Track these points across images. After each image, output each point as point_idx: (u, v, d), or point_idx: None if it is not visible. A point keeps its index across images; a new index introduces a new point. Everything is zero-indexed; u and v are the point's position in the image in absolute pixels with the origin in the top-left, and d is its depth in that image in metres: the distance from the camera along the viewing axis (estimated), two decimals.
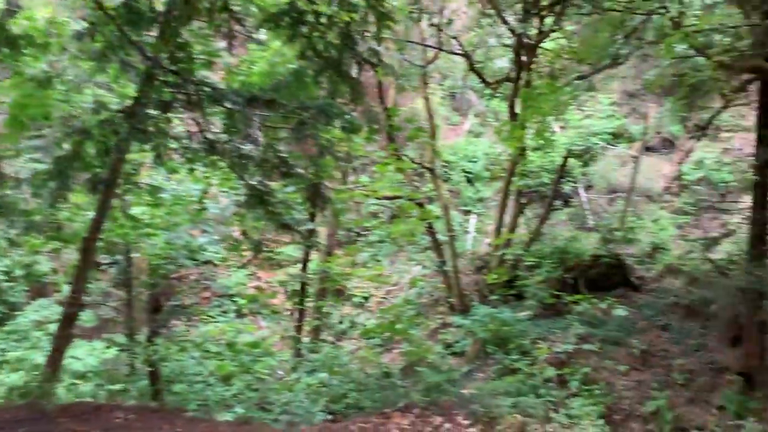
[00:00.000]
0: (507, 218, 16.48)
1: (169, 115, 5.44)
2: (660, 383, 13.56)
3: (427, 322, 15.49)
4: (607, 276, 15.81)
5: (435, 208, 19.09)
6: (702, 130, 14.80)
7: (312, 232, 13.50)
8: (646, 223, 18.35)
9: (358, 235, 19.12)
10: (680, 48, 10.87)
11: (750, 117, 16.13)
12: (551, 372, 13.54)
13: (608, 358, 14.20)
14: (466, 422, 5.41)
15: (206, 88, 5.09)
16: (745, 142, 19.11)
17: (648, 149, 20.73)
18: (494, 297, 14.97)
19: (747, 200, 15.35)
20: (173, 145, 5.64)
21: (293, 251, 17.60)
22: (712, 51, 8.94)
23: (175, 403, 10.00)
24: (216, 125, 5.90)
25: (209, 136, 5.78)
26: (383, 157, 14.85)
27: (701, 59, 11.06)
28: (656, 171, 20.29)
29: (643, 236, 17.87)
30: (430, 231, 15.57)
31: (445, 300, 15.88)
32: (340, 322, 16.56)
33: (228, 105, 5.31)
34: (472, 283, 16.43)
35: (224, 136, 5.69)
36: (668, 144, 21.01)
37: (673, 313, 15.19)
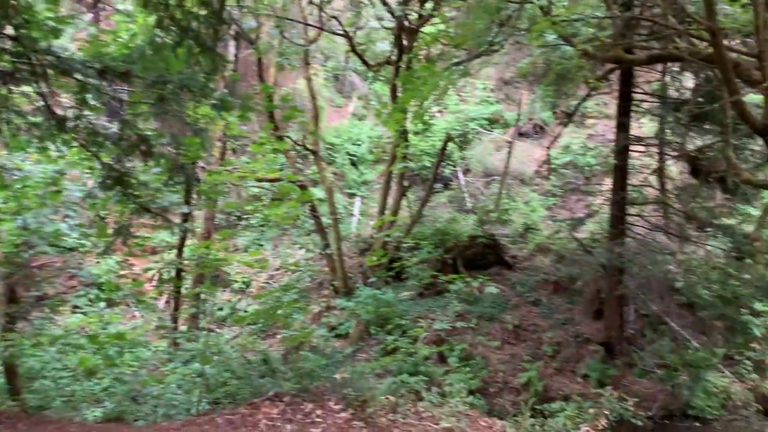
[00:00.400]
0: (390, 201, 16.68)
1: (12, 87, 4.84)
2: (531, 356, 14.41)
3: (311, 306, 15.37)
4: (483, 255, 16.47)
5: (319, 191, 18.98)
6: (569, 117, 15.73)
7: (187, 216, 12.90)
8: (519, 204, 19.29)
9: (239, 218, 18.55)
10: (550, 37, 11.43)
11: (612, 105, 17.40)
12: (430, 350, 13.96)
13: (484, 334, 14.86)
14: (337, 407, 5.33)
15: (50, 57, 4.56)
16: (608, 129, 20.62)
17: (521, 135, 21.77)
18: (377, 278, 15.14)
19: (608, 183, 16.58)
20: (18, 120, 5.04)
21: (168, 236, 16.80)
22: (577, 40, 9.42)
23: (36, 402, 9.23)
24: (67, 99, 5.37)
25: (58, 111, 5.23)
26: (264, 138, 14.44)
27: (568, 48, 11.66)
28: (528, 155, 21.35)
29: (516, 217, 18.78)
30: (314, 214, 15.42)
31: (330, 283, 15.83)
32: (220, 309, 16.01)
33: (78, 77, 4.81)
34: (356, 265, 16.49)
35: (76, 111, 5.17)
36: (539, 130, 22.19)
37: (543, 289, 16.16)
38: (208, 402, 11.69)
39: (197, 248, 13.42)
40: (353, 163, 21.78)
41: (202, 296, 14.39)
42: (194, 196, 11.91)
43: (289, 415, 5.22)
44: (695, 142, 13.70)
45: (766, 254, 9.83)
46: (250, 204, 16.67)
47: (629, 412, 6.86)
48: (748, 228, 14.11)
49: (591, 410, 6.73)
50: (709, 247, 14.62)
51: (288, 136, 14.51)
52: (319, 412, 5.22)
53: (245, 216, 18.06)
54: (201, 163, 12.39)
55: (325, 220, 16.27)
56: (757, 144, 10.36)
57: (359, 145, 22.05)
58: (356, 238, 17.84)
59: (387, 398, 5.60)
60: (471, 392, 12.79)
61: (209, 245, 11.10)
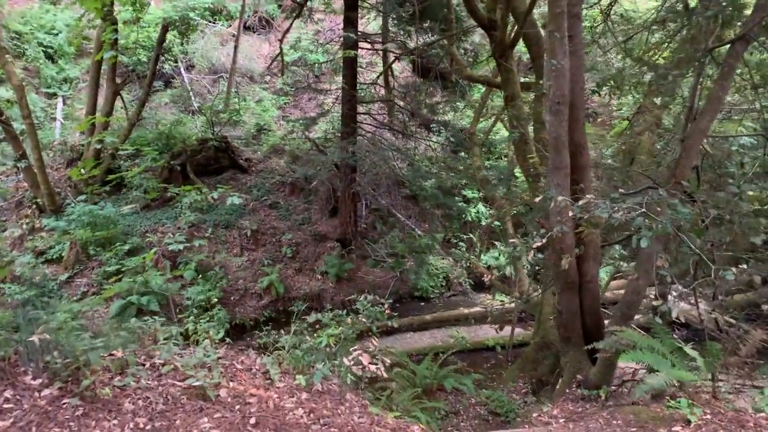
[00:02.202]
0: (101, 101, 14.39)
1: None
2: (271, 259, 14.20)
3: (11, 229, 12.85)
4: (216, 160, 15.42)
5: (6, 91, 15.60)
6: (297, 10, 14.94)
7: None
8: (250, 104, 18.34)
9: None
10: None
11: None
12: (163, 265, 12.86)
13: (221, 243, 14.16)
14: (37, 382, 3.94)
15: None
16: (335, 24, 20.42)
17: (246, 28, 20.45)
18: (89, 193, 13.20)
19: (339, 81, 16.52)
20: None
21: None
22: None
23: None
24: None
25: None
26: None
27: None
28: (256, 51, 20.26)
29: (247, 118, 17.87)
30: (1, 119, 12.54)
31: (32, 200, 13.34)
32: None
33: None
34: (64, 178, 14.12)
35: None
36: (266, 24, 21.06)
37: (280, 191, 15.84)
38: None
39: None
40: (49, 57, 18.26)
41: None
42: None
43: None
44: (418, 39, 14.15)
45: (481, 146, 10.71)
46: None
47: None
48: (464, 123, 15.43)
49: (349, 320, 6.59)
50: (428, 142, 15.70)
51: None
52: (8, 393, 3.64)
53: None
54: None
55: (18, 125, 13.45)
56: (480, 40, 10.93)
57: (56, 34, 18.47)
58: (61, 147, 15.21)
59: (113, 355, 4.21)
60: (216, 315, 12.22)
61: None
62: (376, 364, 4.28)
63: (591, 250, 5.30)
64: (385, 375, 4.57)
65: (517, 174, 15.46)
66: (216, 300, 12.57)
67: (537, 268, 7.01)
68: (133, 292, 11.78)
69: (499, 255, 14.04)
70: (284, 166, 16.34)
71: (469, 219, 15.44)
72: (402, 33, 13.55)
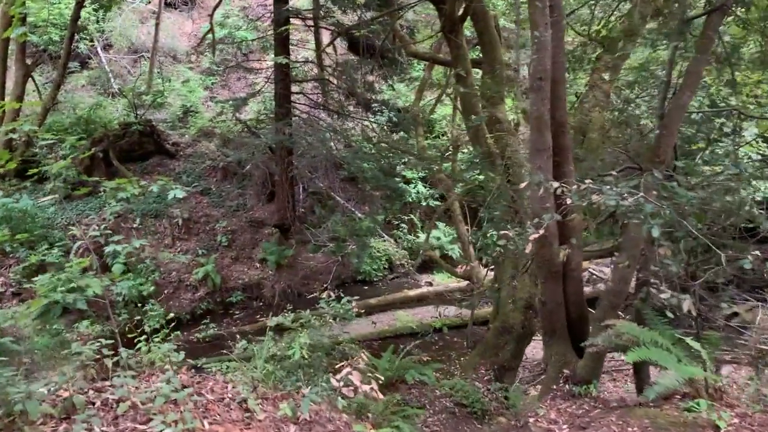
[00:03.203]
0: (10, 84, 13.21)
1: None
2: (206, 249, 13.55)
3: None
4: (141, 145, 14.51)
5: None
6: None
7: None
8: (175, 85, 17.37)
9: None
10: None
11: None
12: (88, 258, 12.02)
13: (151, 233, 13.39)
14: None
15: None
16: (259, 1, 19.60)
17: (168, 5, 19.32)
18: (9, 185, 12.16)
19: (269, 60, 15.85)
20: None
21: None
22: None
23: None
24: None
25: None
26: None
27: None
28: (179, 29, 19.20)
29: (173, 100, 16.92)
30: None
31: None
32: None
33: None
34: None
35: None
36: (188, 0, 19.96)
37: (211, 176, 15.11)
38: None
39: None
40: None
41: None
42: None
43: None
44: (354, 14, 13.70)
45: (422, 126, 10.48)
46: None
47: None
48: (402, 102, 15.14)
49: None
50: (366, 122, 15.34)
51: None
52: None
53: None
54: None
55: None
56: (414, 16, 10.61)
57: None
58: None
59: (55, 399, 3.13)
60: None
61: None
62: (369, 384, 3.81)
63: (574, 236, 5.11)
64: (380, 396, 4.12)
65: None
66: (148, 294, 11.89)
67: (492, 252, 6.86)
68: (56, 291, 10.94)
69: (443, 235, 13.93)
70: (215, 150, 15.59)
71: (410, 200, 15.24)
72: (336, 9, 13.05)
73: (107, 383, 3.40)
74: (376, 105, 12.33)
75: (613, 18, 7.58)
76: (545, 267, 5.08)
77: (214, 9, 14.27)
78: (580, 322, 5.49)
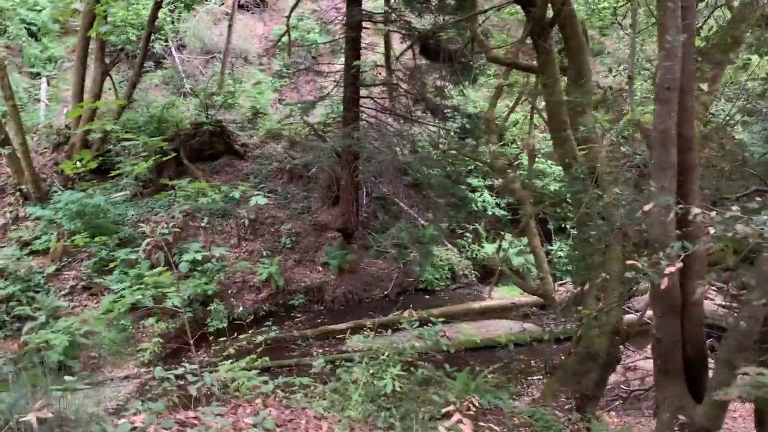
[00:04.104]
0: (89, 82, 13.57)
1: None
2: (270, 250, 13.56)
3: None
4: (211, 145, 14.66)
5: None
6: None
7: None
8: (245, 86, 17.55)
9: None
10: None
11: None
12: (157, 256, 12.19)
13: (218, 232, 13.50)
14: None
15: None
16: (331, 4, 19.59)
17: (240, 7, 19.57)
18: (81, 178, 12.49)
19: (339, 63, 15.79)
20: None
21: None
22: None
23: None
24: None
25: None
26: None
27: None
28: (250, 31, 19.43)
29: (243, 101, 17.09)
30: None
31: (15, 188, 12.56)
32: None
33: None
34: (50, 164, 13.34)
35: None
36: (261, 2, 20.19)
37: (278, 178, 15.15)
38: None
39: None
40: (32, 35, 17.32)
41: None
42: None
43: None
44: (424, 19, 13.48)
45: (495, 133, 10.12)
46: None
47: None
48: (473, 108, 14.79)
49: None
50: (435, 127, 15.09)
51: None
52: None
53: None
54: None
55: None
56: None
57: (39, 11, 17.52)
58: (47, 130, 14.39)
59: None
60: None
61: None
62: None
63: (697, 265, 4.66)
64: None
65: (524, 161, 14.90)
66: (213, 293, 11.96)
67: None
68: (125, 286, 11.12)
69: (508, 247, 13.48)
70: (282, 152, 15.63)
71: (475, 208, 14.85)
72: (409, 12, 12.84)
73: (192, 415, 3.15)
74: (448, 111, 12.03)
75: (711, 23, 7.07)
76: (663, 300, 4.63)
77: (291, 10, 14.28)
78: (699, 363, 4.94)
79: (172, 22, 17.81)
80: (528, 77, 10.94)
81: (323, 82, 16.46)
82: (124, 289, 9.90)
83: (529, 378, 9.91)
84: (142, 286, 8.86)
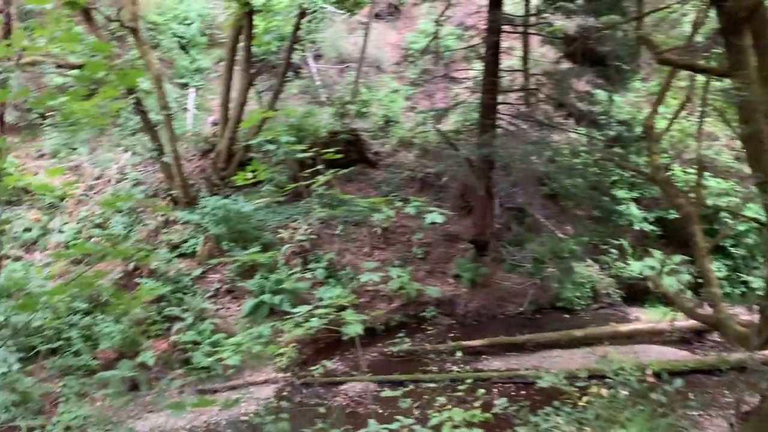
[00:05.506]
0: (233, 92, 14.12)
1: None
2: (402, 260, 13.36)
3: (146, 221, 12.83)
4: (345, 153, 14.72)
5: (143, 81, 15.76)
6: None
7: None
8: (378, 94, 17.58)
9: (42, 116, 14.90)
10: None
11: None
12: (295, 261, 12.39)
13: (351, 240, 13.51)
14: None
15: None
16: (462, 11, 19.20)
17: (375, 16, 19.68)
18: (225, 185, 12.98)
19: (474, 69, 15.39)
20: None
21: None
22: None
23: None
24: None
25: None
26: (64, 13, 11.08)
27: None
28: (384, 39, 19.48)
29: (375, 109, 17.12)
30: (140, 109, 12.52)
31: (166, 192, 13.29)
32: (28, 230, 12.91)
33: None
34: (197, 170, 14.01)
35: None
36: (394, 10, 20.23)
37: (409, 187, 14.97)
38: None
39: None
40: (183, 47, 18.41)
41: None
42: None
43: None
44: (567, 22, 12.78)
45: (657, 142, 9.25)
46: (53, 97, 13.18)
47: None
48: (621, 115, 13.80)
49: None
50: (573, 135, 14.25)
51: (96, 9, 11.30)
52: None
53: (50, 113, 14.47)
54: None
55: (154, 116, 13.40)
56: None
57: (189, 24, 18.60)
58: (194, 138, 15.16)
59: None
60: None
61: None
62: None
63: None
64: None
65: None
66: (347, 301, 11.93)
67: None
68: (265, 290, 11.36)
69: (662, 266, 12.37)
70: (413, 161, 15.44)
71: (620, 222, 13.81)
72: (552, 14, 12.19)
73: None
74: (602, 117, 11.24)
75: None
76: None
77: (442, 12, 14.13)
78: None
79: (309, 33, 18.22)
80: (694, 79, 9.92)
81: (457, 89, 16.09)
82: (299, 312, 9.89)
83: (688, 413, 8.90)
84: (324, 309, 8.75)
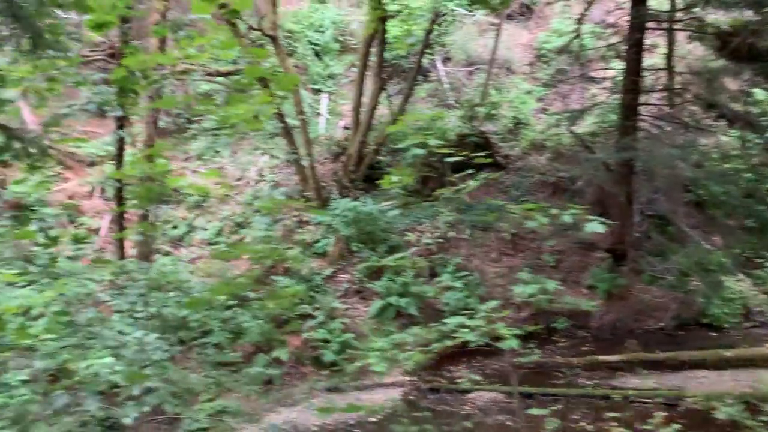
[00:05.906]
0: (364, 97, 14.42)
1: None
2: (531, 267, 12.94)
3: (283, 221, 13.42)
4: (473, 155, 14.57)
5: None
6: None
7: (123, 120, 10.57)
8: (508, 97, 17.20)
9: (189, 121, 16.07)
10: None
11: None
12: (422, 265, 12.40)
13: (478, 245, 13.30)
14: None
15: None
16: (599, 9, 18.30)
17: (506, 16, 19.29)
18: (355, 187, 13.29)
19: (611, 69, 14.63)
20: None
21: (98, 147, 14.61)
22: None
23: None
24: None
25: None
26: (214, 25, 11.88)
27: None
28: (514, 40, 19.04)
29: (504, 111, 16.76)
30: (278, 114, 13.12)
31: (300, 194, 13.82)
32: (175, 227, 13.97)
33: None
34: (329, 173, 14.45)
35: None
36: (526, 9, 19.72)
37: (540, 191, 14.48)
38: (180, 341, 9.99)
39: (139, 159, 11.20)
40: (317, 54, 19.09)
41: (152, 215, 12.40)
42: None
43: None
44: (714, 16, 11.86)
45: None
46: (204, 104, 14.17)
47: None
48: None
49: None
50: (724, 138, 13.14)
51: (240, 18, 11.97)
52: None
53: (196, 119, 15.58)
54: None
55: (290, 120, 13.97)
56: None
57: (323, 32, 19.25)
58: (327, 141, 15.65)
59: None
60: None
61: (154, 154, 8.97)
62: None
63: None
64: None
65: None
66: (473, 308, 11.74)
67: None
68: (392, 293, 11.47)
69: None
70: (545, 164, 14.93)
71: None
72: (707, 6, 11.28)
73: None
74: (761, 119, 10.24)
75: None
76: None
77: (585, 10, 13.59)
78: None
79: (438, 36, 18.20)
80: None
81: (593, 90, 15.36)
82: (449, 324, 9.88)
83: None
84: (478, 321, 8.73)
